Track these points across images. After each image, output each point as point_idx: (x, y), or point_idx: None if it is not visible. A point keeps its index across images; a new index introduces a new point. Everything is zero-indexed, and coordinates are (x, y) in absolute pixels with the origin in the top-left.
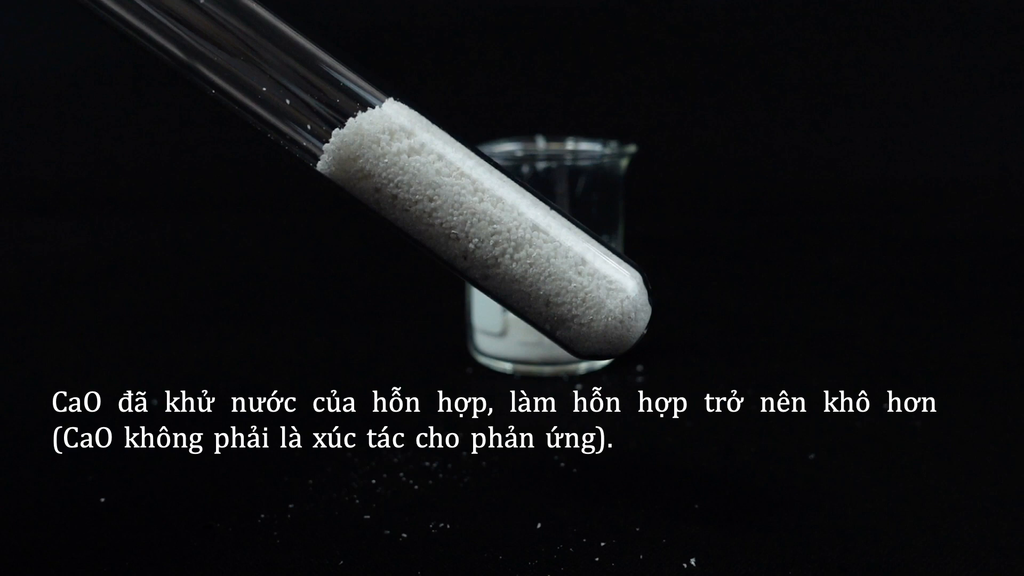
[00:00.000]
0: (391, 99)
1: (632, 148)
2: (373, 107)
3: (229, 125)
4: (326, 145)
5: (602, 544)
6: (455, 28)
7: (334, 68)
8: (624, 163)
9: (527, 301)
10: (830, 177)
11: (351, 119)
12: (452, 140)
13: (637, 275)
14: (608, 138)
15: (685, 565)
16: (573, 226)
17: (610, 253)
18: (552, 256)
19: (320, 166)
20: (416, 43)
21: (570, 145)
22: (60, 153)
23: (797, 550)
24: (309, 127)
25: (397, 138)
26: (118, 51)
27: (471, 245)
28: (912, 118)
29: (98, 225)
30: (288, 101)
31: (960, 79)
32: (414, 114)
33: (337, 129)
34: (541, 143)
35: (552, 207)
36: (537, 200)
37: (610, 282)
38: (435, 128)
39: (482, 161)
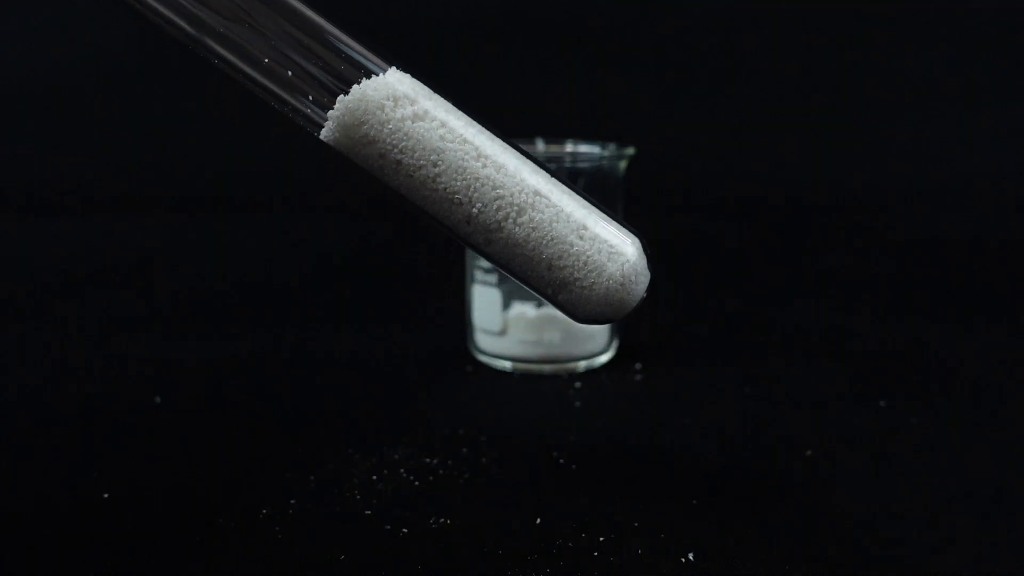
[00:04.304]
0: (393, 68)
1: (631, 150)
2: (376, 75)
3: (229, 125)
4: (330, 112)
5: (601, 539)
6: (454, 30)
7: (337, 37)
8: (623, 165)
9: (529, 265)
10: (830, 178)
11: (355, 86)
12: (454, 108)
13: (636, 240)
14: (607, 140)
15: (683, 560)
16: (574, 193)
17: (610, 219)
18: (554, 220)
19: (324, 134)
20: (416, 44)
21: (569, 147)
22: (61, 153)
23: (794, 546)
24: (312, 96)
25: (401, 104)
26: (119, 51)
27: (474, 210)
28: (912, 119)
29: (98, 225)
30: (291, 71)
31: (960, 80)
32: (416, 82)
33: (342, 96)
34: (540, 145)
35: (553, 175)
36: (538, 167)
37: (611, 247)
38: (437, 96)
39: (483, 129)
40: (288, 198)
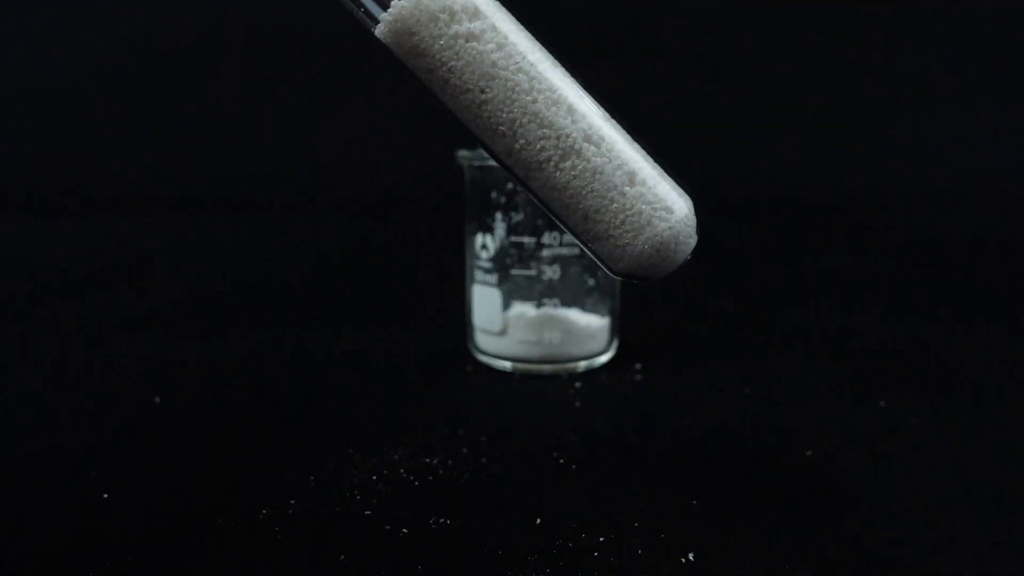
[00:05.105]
0: None
1: None
2: None
3: (229, 125)
4: (383, 14)
5: (601, 539)
6: None
7: None
8: None
9: (566, 211)
10: (830, 178)
11: None
12: (519, 30)
13: (683, 205)
14: None
15: (683, 560)
16: (629, 142)
17: (662, 177)
18: (599, 171)
19: (377, 31)
20: None
21: None
22: (61, 153)
23: (794, 546)
24: None
25: (457, 19)
26: (119, 51)
27: (517, 144)
28: (912, 119)
29: (98, 225)
30: None
31: (960, 80)
32: None
33: (396, 1)
34: None
35: (611, 119)
36: (596, 109)
37: (653, 208)
38: (503, 14)
39: (545, 58)
40: (288, 198)
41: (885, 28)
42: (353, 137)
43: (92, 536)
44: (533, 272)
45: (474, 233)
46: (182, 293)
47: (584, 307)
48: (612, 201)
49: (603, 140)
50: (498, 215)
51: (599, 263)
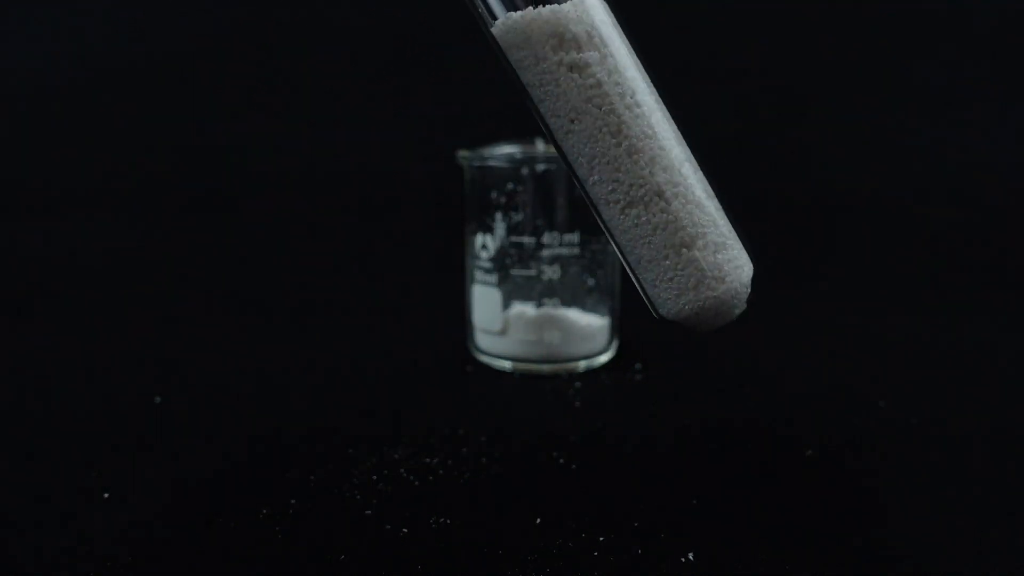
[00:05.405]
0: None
1: None
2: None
3: (229, 125)
4: (497, 22)
5: (600, 539)
6: (455, 29)
7: None
8: None
9: (624, 247)
10: (830, 177)
11: (529, 9)
12: (629, 65)
13: (736, 277)
14: None
15: (683, 560)
16: (708, 198)
17: (727, 242)
18: (661, 227)
19: (493, 30)
20: (416, 44)
21: None
22: (61, 153)
23: (794, 546)
24: None
25: (566, 47)
26: (119, 51)
27: (591, 179)
28: (912, 119)
29: (98, 225)
30: None
31: (959, 80)
32: (606, 23)
33: (511, 13)
34: (540, 146)
35: (695, 173)
36: (679, 163)
37: (703, 275)
38: (617, 45)
39: (647, 98)
40: (288, 198)
41: (885, 27)
42: (353, 137)
43: (92, 536)
44: (533, 272)
45: (474, 233)
46: (182, 293)
47: (584, 307)
48: (666, 258)
49: (676, 197)
50: (498, 215)
51: (645, 299)
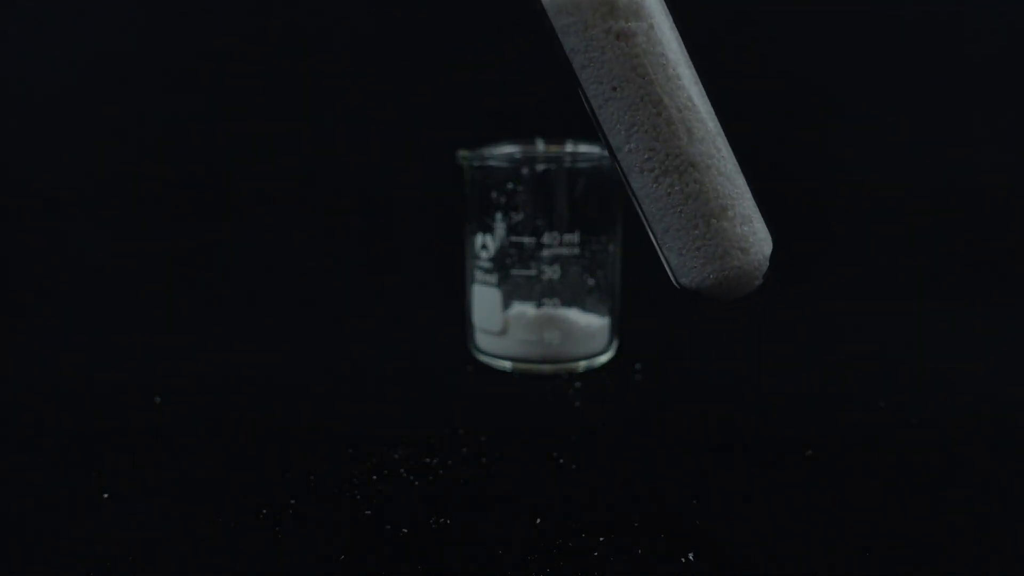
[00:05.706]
0: None
1: None
2: None
3: (230, 125)
4: None
5: (600, 539)
6: (455, 29)
7: None
8: None
9: (652, 216)
10: (831, 176)
11: None
12: (672, 39)
13: (759, 250)
14: None
15: (683, 560)
16: (737, 173)
17: (752, 215)
18: (693, 197)
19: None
20: (416, 43)
21: (569, 147)
22: (61, 153)
23: (794, 546)
24: None
25: (615, 16)
26: (119, 52)
27: (628, 146)
28: (911, 119)
29: (97, 225)
30: None
31: (959, 80)
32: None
33: None
34: (540, 146)
35: (724, 150)
36: (711, 137)
37: (731, 244)
38: (662, 18)
39: (687, 72)
40: (288, 198)
41: (884, 27)
42: (353, 137)
43: (92, 536)
44: (533, 272)
45: (474, 233)
46: (182, 293)
47: (584, 307)
48: (695, 227)
49: (709, 169)
50: (498, 215)
51: (666, 266)
